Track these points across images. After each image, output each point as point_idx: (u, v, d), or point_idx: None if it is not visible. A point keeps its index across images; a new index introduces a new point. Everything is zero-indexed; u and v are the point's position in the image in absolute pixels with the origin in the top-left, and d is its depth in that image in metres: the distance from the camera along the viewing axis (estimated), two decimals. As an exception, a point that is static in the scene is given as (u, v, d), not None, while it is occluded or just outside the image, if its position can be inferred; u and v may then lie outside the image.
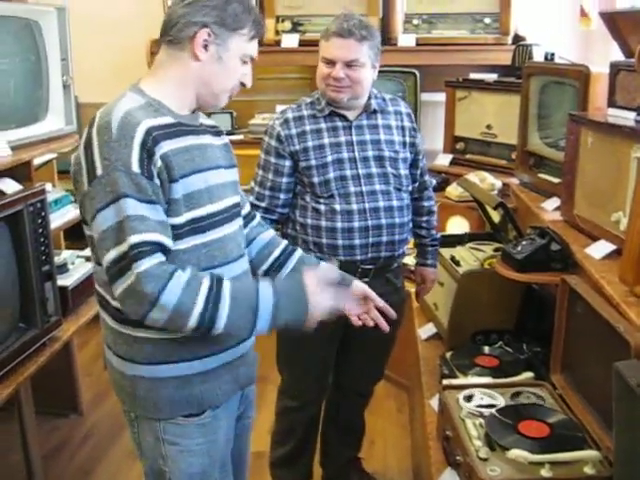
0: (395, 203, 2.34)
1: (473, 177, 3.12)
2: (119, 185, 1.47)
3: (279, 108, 3.80)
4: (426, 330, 2.83)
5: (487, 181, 3.14)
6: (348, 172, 2.29)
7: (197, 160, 1.62)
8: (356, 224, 2.29)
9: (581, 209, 2.38)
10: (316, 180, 2.29)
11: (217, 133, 1.80)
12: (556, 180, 2.76)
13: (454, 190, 3.35)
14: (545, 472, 1.69)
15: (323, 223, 2.30)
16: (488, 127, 3.48)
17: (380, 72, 2.45)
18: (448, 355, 2.43)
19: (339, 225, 2.29)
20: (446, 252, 2.79)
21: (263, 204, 2.36)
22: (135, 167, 1.48)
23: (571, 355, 2.06)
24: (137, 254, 1.46)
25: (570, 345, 2.06)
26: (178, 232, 1.58)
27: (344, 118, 2.35)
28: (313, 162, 2.29)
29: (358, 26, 2.24)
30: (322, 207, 2.29)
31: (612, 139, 2.19)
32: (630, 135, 2.08)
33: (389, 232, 2.33)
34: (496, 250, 2.82)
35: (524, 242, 2.27)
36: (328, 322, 2.34)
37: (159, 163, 1.52)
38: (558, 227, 2.36)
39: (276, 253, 1.96)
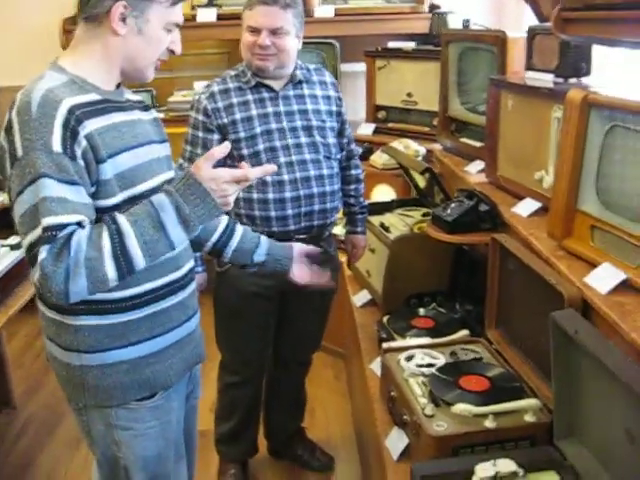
0: (325, 171, 2.36)
1: (397, 144, 3.17)
2: (38, 165, 1.40)
3: (198, 84, 3.76)
4: (360, 297, 2.88)
5: (411, 148, 3.19)
6: (277, 143, 2.30)
7: (127, 137, 1.57)
8: (288, 194, 2.30)
9: (504, 170, 2.45)
10: (245, 152, 2.28)
11: (145, 108, 1.74)
12: (478, 144, 2.83)
13: (379, 158, 3.40)
14: (489, 423, 1.76)
15: (255, 195, 2.30)
16: (409, 95, 3.53)
17: (299, 44, 2.45)
18: (385, 319, 2.48)
19: (271, 196, 2.29)
20: (375, 219, 2.84)
21: None
22: (56, 146, 1.42)
23: (504, 311, 2.13)
24: (47, 238, 1.39)
25: (503, 301, 2.13)
26: (115, 212, 1.52)
27: (270, 89, 2.34)
28: (242, 134, 2.28)
29: None
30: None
31: (532, 101, 2.26)
32: (550, 96, 2.15)
33: (321, 200, 2.36)
34: (424, 215, 2.89)
35: (453, 204, 2.33)
36: (265, 294, 2.37)
37: (83, 143, 1.46)
38: (484, 189, 2.43)
39: (220, 228, 1.94)
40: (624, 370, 1.34)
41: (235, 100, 2.31)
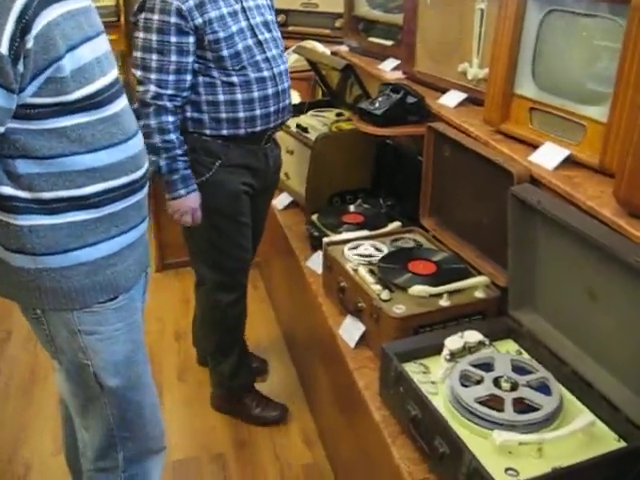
0: (287, 66, 2.33)
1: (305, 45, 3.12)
2: None
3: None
4: (281, 200, 2.88)
5: (317, 50, 3.15)
6: (250, 41, 2.18)
7: (84, 27, 1.44)
8: (270, 91, 2.22)
9: (423, 65, 2.48)
10: (225, 53, 2.13)
11: None
12: (388, 42, 2.84)
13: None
14: (444, 302, 1.84)
15: (239, 96, 2.17)
16: (308, -3, 3.47)
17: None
18: (314, 217, 2.50)
19: (256, 95, 2.19)
20: (291, 122, 2.80)
21: (169, 91, 2.11)
22: (3, 48, 1.27)
23: (439, 198, 2.20)
24: None
25: (437, 189, 2.20)
26: (65, 109, 1.41)
27: None
28: (221, 34, 2.11)
29: None
30: (235, 79, 2.16)
31: (453, -7, 2.29)
32: (473, -14, 2.19)
33: (288, 94, 2.32)
34: (338, 115, 2.90)
35: (380, 99, 2.34)
36: (249, 192, 2.34)
37: (29, 44, 1.31)
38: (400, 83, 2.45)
39: None
40: (590, 228, 1.44)
41: None
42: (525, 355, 1.69)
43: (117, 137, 1.51)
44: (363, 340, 1.94)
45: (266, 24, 2.27)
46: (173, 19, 2.05)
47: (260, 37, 2.21)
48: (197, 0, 2.07)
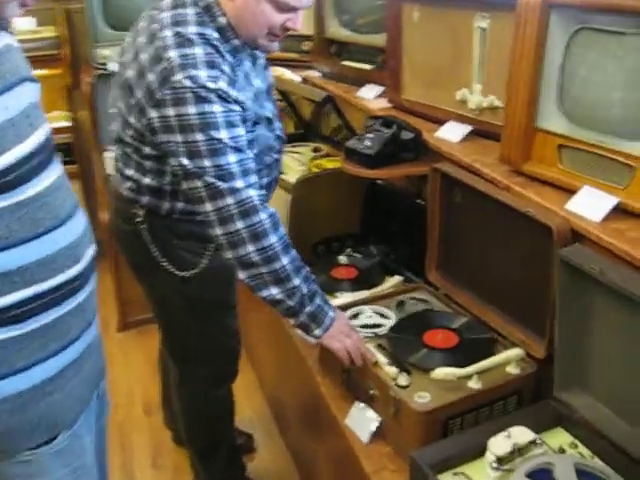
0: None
1: (271, 74, 2.79)
2: None
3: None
4: (257, 252, 2.53)
5: (285, 77, 2.82)
6: (263, 133, 1.75)
7: None
8: (275, 173, 1.88)
9: (412, 93, 2.20)
10: (255, 152, 1.71)
11: (7, 30, 1.16)
12: (366, 66, 2.55)
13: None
14: (474, 384, 1.53)
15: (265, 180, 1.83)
16: (271, 18, 3.14)
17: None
18: (299, 275, 2.16)
19: (265, 181, 1.81)
20: (262, 162, 2.49)
21: (263, 190, 1.64)
22: None
23: (449, 249, 1.89)
24: None
25: (446, 239, 1.89)
26: None
27: (253, 57, 1.75)
28: (252, 134, 1.68)
29: None
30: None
31: (445, 11, 2.01)
32: (470, 2, 1.89)
33: None
34: (315, 150, 2.59)
35: (370, 135, 2.03)
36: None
37: None
38: (390, 115, 2.14)
39: None
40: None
41: (237, 79, 1.62)
42: (582, 449, 1.39)
43: (44, 224, 1.12)
44: (378, 432, 1.61)
45: (268, 90, 1.86)
46: (237, 107, 1.57)
47: (268, 113, 1.79)
48: (235, 86, 1.60)
